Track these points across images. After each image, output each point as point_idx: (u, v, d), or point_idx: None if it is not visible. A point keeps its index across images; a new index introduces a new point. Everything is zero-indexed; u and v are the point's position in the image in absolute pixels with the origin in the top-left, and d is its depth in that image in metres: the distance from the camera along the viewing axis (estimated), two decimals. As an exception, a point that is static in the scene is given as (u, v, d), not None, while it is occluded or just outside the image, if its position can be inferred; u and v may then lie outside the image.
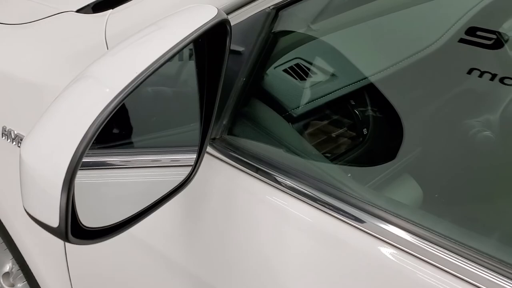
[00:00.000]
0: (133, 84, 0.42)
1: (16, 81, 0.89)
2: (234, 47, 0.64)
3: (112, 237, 0.45)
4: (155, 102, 0.60)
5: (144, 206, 0.49)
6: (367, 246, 0.56)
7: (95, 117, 0.39)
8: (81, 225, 0.41)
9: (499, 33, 0.70)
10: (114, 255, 0.77)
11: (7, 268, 1.42)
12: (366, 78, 0.82)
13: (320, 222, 0.60)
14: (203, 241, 0.66)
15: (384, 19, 0.76)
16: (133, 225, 0.48)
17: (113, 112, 0.41)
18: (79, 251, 0.89)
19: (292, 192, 0.62)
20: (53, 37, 0.90)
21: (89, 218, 0.42)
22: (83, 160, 0.40)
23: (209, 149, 0.68)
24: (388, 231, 0.55)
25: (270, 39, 0.64)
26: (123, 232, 0.46)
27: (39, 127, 0.41)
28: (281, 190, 0.63)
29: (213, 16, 0.52)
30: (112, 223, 0.45)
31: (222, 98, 0.66)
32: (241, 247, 0.63)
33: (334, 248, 0.58)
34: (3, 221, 1.09)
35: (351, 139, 0.80)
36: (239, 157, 0.66)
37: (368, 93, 0.82)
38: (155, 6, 0.75)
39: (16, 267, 1.31)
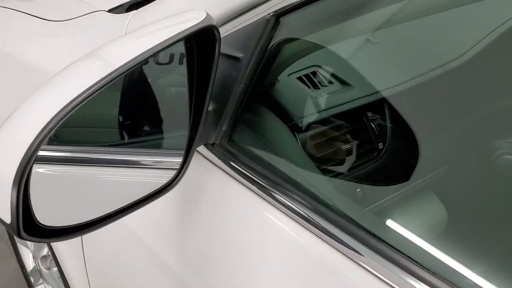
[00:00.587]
0: (102, 82, 0.42)
1: (46, 74, 0.93)
2: (233, 53, 0.63)
3: (73, 237, 0.46)
4: (145, 104, 0.60)
5: (120, 207, 0.50)
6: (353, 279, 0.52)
7: (55, 112, 0.40)
8: (37, 222, 0.42)
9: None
10: (113, 249, 0.79)
11: (44, 251, 1.50)
12: (386, 90, 0.78)
13: (309, 244, 0.57)
14: (192, 241, 0.66)
15: (402, 27, 0.72)
16: (103, 226, 0.49)
17: (78, 106, 0.41)
18: (91, 243, 0.92)
19: (283, 208, 0.59)
20: (83, 34, 0.93)
21: (49, 216, 0.43)
22: (48, 155, 0.41)
23: (207, 153, 0.68)
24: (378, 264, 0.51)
25: (272, 46, 0.62)
26: (89, 232, 0.47)
27: (6, 123, 0.42)
28: (272, 204, 0.61)
29: (199, 21, 0.51)
30: (77, 223, 0.46)
31: (222, 104, 0.65)
32: (226, 255, 0.62)
33: (316, 271, 0.56)
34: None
35: (364, 153, 0.77)
36: (235, 165, 0.65)
37: (388, 106, 0.78)
38: (171, 7, 0.76)
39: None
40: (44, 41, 0.99)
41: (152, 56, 0.48)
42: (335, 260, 0.54)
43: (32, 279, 1.68)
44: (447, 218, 0.78)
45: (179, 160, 0.57)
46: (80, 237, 0.96)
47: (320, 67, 0.79)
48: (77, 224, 0.46)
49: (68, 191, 0.50)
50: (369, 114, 0.78)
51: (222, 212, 0.65)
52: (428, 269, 0.49)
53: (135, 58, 0.46)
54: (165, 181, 0.55)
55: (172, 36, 0.49)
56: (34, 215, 0.42)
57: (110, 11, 0.97)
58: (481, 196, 0.79)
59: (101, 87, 0.43)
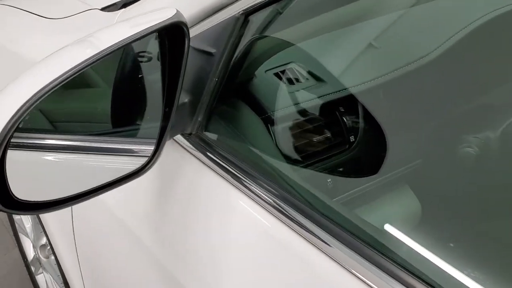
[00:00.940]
0: (75, 69, 0.47)
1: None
2: (207, 48, 0.67)
3: (46, 212, 0.50)
4: (124, 96, 0.65)
5: (90, 188, 0.54)
6: (317, 265, 0.56)
7: (32, 93, 0.44)
8: (12, 196, 0.47)
9: None
10: (101, 234, 0.84)
11: (43, 241, 1.56)
12: (358, 85, 0.82)
13: (276, 230, 0.61)
14: (167, 224, 0.71)
15: (373, 23, 0.76)
16: (75, 204, 0.53)
17: (53, 89, 0.46)
18: (81, 229, 0.97)
19: (253, 196, 0.63)
20: (75, 31, 0.98)
21: (24, 192, 0.48)
22: (27, 142, 0.45)
23: (184, 142, 0.72)
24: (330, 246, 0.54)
25: (247, 43, 0.66)
26: (61, 208, 0.52)
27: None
28: (243, 192, 0.65)
29: (169, 17, 0.55)
30: (51, 199, 0.51)
31: (197, 96, 0.70)
32: (196, 236, 0.67)
33: (279, 254, 0.60)
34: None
35: (336, 146, 0.81)
36: (210, 154, 0.69)
37: (359, 101, 0.82)
38: (153, 6, 0.81)
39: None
40: (39, 37, 1.04)
41: (123, 48, 0.52)
42: (299, 246, 0.57)
43: (33, 268, 1.74)
44: (421, 211, 0.82)
45: (151, 148, 0.61)
46: (71, 225, 1.01)
47: (296, 64, 0.83)
48: (51, 200, 0.51)
49: (44, 171, 0.55)
50: (341, 109, 0.82)
51: (195, 197, 0.69)
52: (395, 261, 0.51)
53: (107, 48, 0.51)
54: (137, 167, 0.60)
55: (144, 29, 0.54)
56: (10, 189, 0.46)
57: (103, 9, 1.02)
58: (451, 189, 0.83)
59: (78, 71, 0.48)
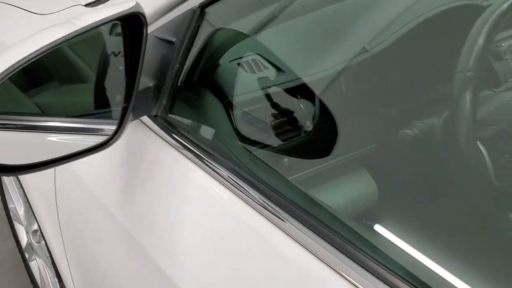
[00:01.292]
0: (36, 52, 0.55)
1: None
2: (168, 37, 0.75)
3: (13, 175, 0.58)
4: (98, 81, 0.73)
5: (60, 155, 0.62)
6: (268, 234, 0.61)
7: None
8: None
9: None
10: (81, 214, 0.91)
11: (35, 226, 1.64)
12: (314, 74, 0.89)
13: (232, 203, 0.68)
14: (134, 198, 0.78)
15: (328, 13, 0.83)
16: (41, 170, 0.61)
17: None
18: (64, 208, 1.05)
19: (213, 172, 0.70)
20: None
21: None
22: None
23: (150, 123, 0.80)
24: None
25: (201, 32, 0.74)
26: (28, 173, 0.59)
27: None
28: (204, 169, 0.72)
29: (129, 8, 0.63)
30: (17, 163, 0.58)
31: (161, 80, 0.77)
32: (158, 208, 0.74)
33: (233, 225, 0.67)
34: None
35: (292, 130, 0.88)
36: (173, 134, 0.77)
37: (315, 89, 0.90)
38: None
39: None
40: (25, 31, 1.12)
41: (87, 32, 0.60)
42: (253, 218, 0.63)
43: (26, 255, 1.82)
44: (378, 192, 0.89)
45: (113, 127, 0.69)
46: (55, 205, 1.09)
47: (258, 55, 0.90)
48: (17, 164, 0.59)
49: (14, 139, 0.63)
50: (299, 96, 0.89)
51: (159, 173, 0.77)
52: (347, 240, 0.55)
53: (73, 32, 0.59)
54: (101, 141, 0.68)
55: (106, 17, 0.62)
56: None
57: (86, 5, 1.10)
58: (402, 171, 0.90)
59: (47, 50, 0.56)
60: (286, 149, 0.87)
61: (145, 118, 0.80)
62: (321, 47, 0.91)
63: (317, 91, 0.90)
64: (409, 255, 0.61)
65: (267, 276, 0.60)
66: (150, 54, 0.75)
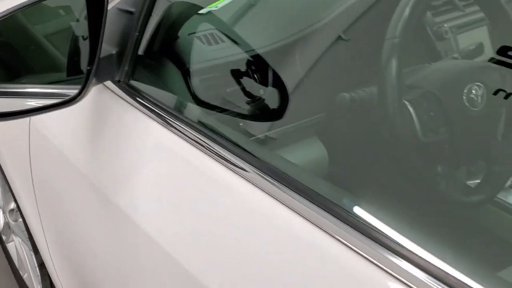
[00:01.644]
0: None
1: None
2: (128, 8, 0.83)
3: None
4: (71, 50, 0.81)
5: (25, 108, 0.70)
6: (224, 179, 0.68)
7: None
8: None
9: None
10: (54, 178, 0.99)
11: (12, 205, 1.69)
12: (268, 46, 0.98)
13: (187, 151, 0.76)
14: (100, 152, 0.86)
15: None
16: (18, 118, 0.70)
17: None
18: (38, 173, 1.12)
19: (169, 126, 0.78)
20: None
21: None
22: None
23: (114, 88, 0.87)
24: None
25: (158, 2, 0.82)
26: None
27: None
28: (162, 125, 0.80)
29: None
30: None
31: (123, 47, 0.85)
32: (123, 161, 0.82)
33: (187, 171, 0.75)
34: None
35: (246, 96, 0.96)
36: (135, 97, 0.84)
37: (268, 60, 0.98)
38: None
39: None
40: None
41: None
42: (200, 159, 0.71)
43: (4, 237, 1.87)
44: (328, 159, 0.97)
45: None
46: (30, 173, 1.16)
47: (216, 29, 0.98)
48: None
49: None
50: (253, 67, 0.97)
51: (122, 130, 0.84)
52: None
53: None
54: (67, 99, 0.76)
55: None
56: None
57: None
58: (345, 135, 0.98)
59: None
60: (241, 113, 0.95)
61: (110, 84, 0.88)
62: (275, 20, 1.00)
63: (270, 61, 0.98)
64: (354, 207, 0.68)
65: (219, 213, 0.68)
66: (113, 24, 0.83)
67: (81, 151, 0.90)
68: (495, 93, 0.69)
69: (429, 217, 0.75)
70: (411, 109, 0.82)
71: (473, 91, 0.84)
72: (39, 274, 1.57)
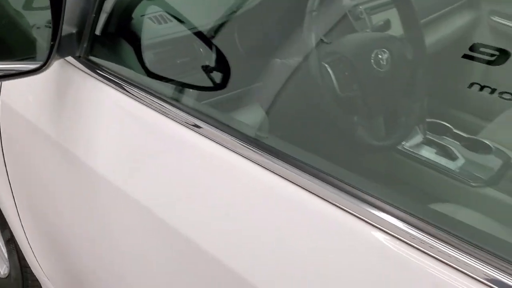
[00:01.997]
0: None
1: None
2: (86, -10, 0.95)
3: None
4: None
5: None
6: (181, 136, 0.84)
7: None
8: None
9: None
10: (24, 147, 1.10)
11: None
12: (212, 22, 1.12)
13: (143, 112, 0.90)
14: (63, 118, 0.99)
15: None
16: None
17: None
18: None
19: (124, 91, 0.92)
20: None
21: None
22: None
23: (75, 62, 1.00)
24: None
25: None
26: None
27: None
28: (118, 90, 0.93)
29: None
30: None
31: (81, 26, 0.97)
32: (83, 124, 0.96)
33: (135, 124, 0.89)
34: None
35: (194, 69, 1.11)
36: (94, 69, 0.97)
37: (210, 36, 1.13)
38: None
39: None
40: None
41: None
42: (149, 115, 0.87)
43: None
44: (269, 123, 1.13)
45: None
46: (2, 153, 1.26)
47: (164, 11, 1.12)
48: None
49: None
50: (198, 42, 1.12)
51: (82, 98, 0.97)
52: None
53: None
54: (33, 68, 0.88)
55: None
56: None
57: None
58: (281, 98, 1.14)
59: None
60: (189, 84, 1.09)
61: (71, 59, 1.00)
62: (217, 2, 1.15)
63: (212, 38, 1.13)
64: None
65: (178, 165, 0.82)
66: (73, 6, 0.95)
67: (48, 117, 1.02)
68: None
69: (349, 159, 0.93)
70: (330, 70, 1.00)
71: (379, 55, 1.02)
72: (5, 250, 1.66)
